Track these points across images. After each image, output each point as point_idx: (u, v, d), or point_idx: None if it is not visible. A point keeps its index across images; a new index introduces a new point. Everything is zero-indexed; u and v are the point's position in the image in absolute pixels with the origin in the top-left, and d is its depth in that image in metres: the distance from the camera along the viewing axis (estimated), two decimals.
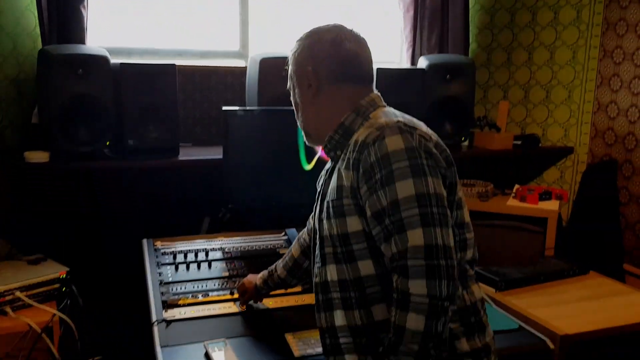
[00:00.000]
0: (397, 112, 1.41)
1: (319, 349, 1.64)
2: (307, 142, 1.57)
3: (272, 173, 2.45)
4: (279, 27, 3.19)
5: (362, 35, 1.49)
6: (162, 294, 1.89)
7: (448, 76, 2.96)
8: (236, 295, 1.92)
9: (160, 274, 2.00)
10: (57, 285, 2.09)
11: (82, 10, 2.49)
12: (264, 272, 1.86)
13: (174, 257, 2.11)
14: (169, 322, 1.76)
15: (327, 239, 1.39)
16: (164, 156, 2.48)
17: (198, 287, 1.96)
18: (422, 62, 3.00)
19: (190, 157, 2.55)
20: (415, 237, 1.20)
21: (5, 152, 2.37)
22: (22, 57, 2.52)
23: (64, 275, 2.10)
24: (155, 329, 1.72)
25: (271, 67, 2.61)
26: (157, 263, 2.06)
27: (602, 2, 3.19)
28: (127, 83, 2.34)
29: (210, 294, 1.93)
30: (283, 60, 2.63)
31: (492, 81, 3.51)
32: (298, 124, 1.56)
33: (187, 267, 2.06)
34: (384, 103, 1.48)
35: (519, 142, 3.26)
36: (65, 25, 2.47)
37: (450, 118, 3.01)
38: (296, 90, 1.50)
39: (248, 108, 2.58)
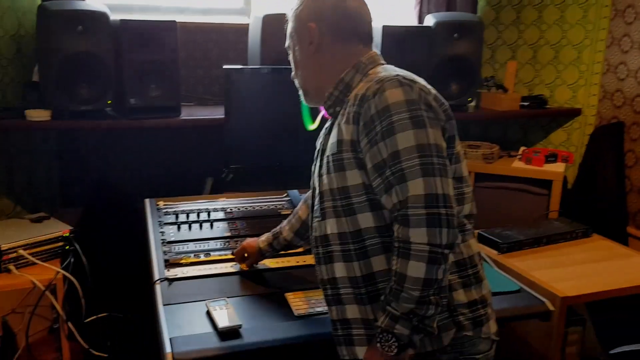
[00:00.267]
0: (396, 68, 1.40)
1: (319, 308, 1.66)
2: (305, 101, 1.57)
3: (275, 133, 2.43)
4: None
5: None
6: (164, 253, 1.90)
7: (456, 35, 2.90)
8: None
9: (162, 233, 2.01)
10: (60, 244, 2.10)
11: None
12: (268, 235, 1.86)
13: (176, 217, 2.11)
14: (171, 281, 1.77)
15: (327, 193, 1.40)
16: (165, 115, 2.46)
17: (200, 246, 1.97)
18: (430, 20, 2.94)
19: (192, 117, 2.53)
20: (416, 186, 1.22)
21: (6, 110, 2.36)
22: (22, 12, 2.48)
23: (68, 234, 2.11)
24: (157, 287, 1.73)
25: (274, 24, 2.54)
26: (160, 222, 2.07)
27: None
28: (128, 40, 2.30)
29: (212, 253, 1.93)
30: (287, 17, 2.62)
31: (501, 40, 3.44)
32: (296, 83, 1.55)
33: (190, 227, 2.06)
34: (384, 61, 1.47)
35: (526, 104, 3.22)
36: None
37: (457, 78, 2.96)
38: (296, 48, 1.49)
39: (250, 67, 2.54)
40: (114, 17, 2.34)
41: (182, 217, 2.12)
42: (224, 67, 2.32)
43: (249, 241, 1.89)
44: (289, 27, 1.51)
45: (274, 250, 1.85)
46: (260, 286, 1.80)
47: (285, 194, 2.36)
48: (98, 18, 2.27)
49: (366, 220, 1.33)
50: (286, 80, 2.42)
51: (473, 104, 3.13)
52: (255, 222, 2.15)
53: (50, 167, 2.74)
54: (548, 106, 3.29)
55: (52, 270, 1.98)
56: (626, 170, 3.08)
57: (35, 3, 2.43)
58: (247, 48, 2.81)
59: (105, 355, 2.16)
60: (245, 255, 1.87)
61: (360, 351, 1.37)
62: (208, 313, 1.61)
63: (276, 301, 1.71)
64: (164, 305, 1.64)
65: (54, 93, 2.25)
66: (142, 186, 2.86)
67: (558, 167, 2.92)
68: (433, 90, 1.36)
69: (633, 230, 2.99)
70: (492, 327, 1.41)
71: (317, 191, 1.46)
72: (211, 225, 2.09)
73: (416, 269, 1.21)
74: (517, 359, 2.14)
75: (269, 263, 1.91)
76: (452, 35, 2.90)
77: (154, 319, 1.64)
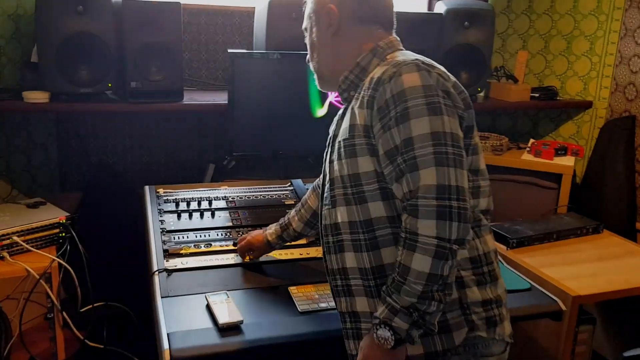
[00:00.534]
0: (416, 54, 1.34)
1: (324, 304, 1.61)
2: (319, 86, 1.51)
3: (279, 121, 2.36)
4: None
5: None
6: (163, 242, 1.84)
7: (466, 23, 2.82)
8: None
9: (162, 222, 1.95)
10: (56, 231, 2.04)
11: None
12: (276, 227, 1.79)
13: (177, 205, 2.05)
14: (170, 272, 1.71)
15: (338, 179, 1.34)
16: (167, 100, 2.39)
17: (201, 236, 1.91)
18: (440, 7, 2.85)
19: (194, 102, 2.46)
20: (428, 176, 1.16)
21: (4, 91, 2.29)
22: None
23: (64, 221, 2.05)
24: (156, 278, 1.67)
25: (281, 8, 2.48)
26: (159, 211, 2.00)
27: None
28: (130, 21, 2.23)
29: (212, 244, 1.87)
30: (294, 1, 2.54)
31: (512, 29, 3.36)
32: (311, 65, 1.49)
33: (190, 216, 2.00)
34: (402, 47, 1.41)
35: (537, 95, 3.14)
36: None
37: (467, 67, 2.88)
38: (314, 30, 1.44)
39: (256, 51, 2.47)
40: None
41: (183, 206, 2.05)
42: (229, 51, 2.24)
43: (255, 234, 1.82)
44: (308, 8, 1.46)
45: (282, 242, 1.79)
46: (263, 279, 1.75)
47: (289, 183, 2.30)
48: None
49: (377, 209, 1.28)
50: (293, 66, 2.39)
51: (482, 94, 3.05)
52: (258, 212, 2.09)
53: (49, 151, 2.68)
54: (559, 98, 3.22)
55: (47, 258, 1.92)
56: (637, 166, 3.01)
57: None
58: (253, 32, 2.74)
59: (101, 346, 2.11)
60: (251, 249, 1.81)
61: None
62: (208, 307, 1.55)
63: (279, 295, 1.66)
64: (162, 297, 1.59)
65: (52, 75, 2.19)
66: (142, 171, 2.82)
67: (568, 161, 2.86)
68: (452, 78, 1.30)
69: None
70: (507, 328, 1.35)
71: (327, 178, 1.41)
72: (212, 215, 2.03)
73: (421, 263, 1.16)
74: (524, 358, 2.09)
75: (272, 255, 1.85)
76: (463, 23, 2.82)
77: (152, 311, 1.58)
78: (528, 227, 2.34)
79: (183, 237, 1.89)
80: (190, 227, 1.95)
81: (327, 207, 1.39)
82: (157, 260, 1.74)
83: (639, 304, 2.17)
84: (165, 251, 1.80)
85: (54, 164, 2.71)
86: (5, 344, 2.13)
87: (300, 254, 1.88)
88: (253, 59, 2.30)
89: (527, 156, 2.90)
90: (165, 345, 1.39)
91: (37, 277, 1.85)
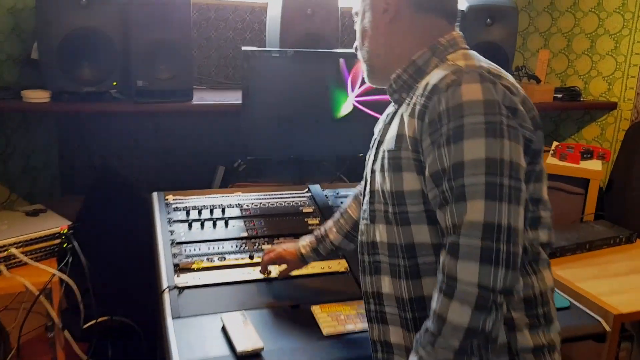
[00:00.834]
0: (481, 57, 1.18)
1: (350, 326, 1.47)
2: (367, 79, 1.32)
3: (296, 123, 2.22)
4: None
5: None
6: (173, 255, 1.70)
7: (488, 20, 2.68)
8: (256, 260, 1.72)
9: (171, 232, 1.81)
10: (57, 241, 1.89)
11: None
12: (310, 239, 1.61)
13: (187, 214, 1.91)
14: (181, 290, 1.57)
15: (379, 193, 1.20)
16: (176, 99, 2.25)
17: (214, 248, 1.77)
18: (462, 4, 2.71)
19: (205, 102, 2.32)
20: (476, 210, 0.99)
21: (2, 89, 2.15)
22: None
23: (66, 230, 1.91)
24: (166, 296, 1.53)
25: (296, 3, 2.35)
26: (169, 220, 1.86)
27: None
28: (136, 16, 2.09)
29: (227, 257, 1.73)
30: None
31: (533, 27, 3.22)
32: (359, 54, 1.31)
33: (202, 225, 1.86)
34: (467, 45, 1.24)
35: (560, 95, 3.01)
36: None
37: None
38: (366, 14, 1.26)
39: (271, 49, 2.32)
40: None
41: (194, 214, 1.91)
42: (243, 48, 2.10)
43: (286, 247, 1.63)
44: None
45: (318, 256, 1.60)
46: (282, 297, 1.61)
47: (306, 189, 2.16)
48: None
49: (421, 234, 1.12)
50: (309, 65, 2.25)
51: None
52: (275, 220, 1.95)
53: (49, 153, 2.54)
54: (582, 99, 3.08)
55: (48, 272, 1.78)
56: None
57: None
58: (265, 29, 2.60)
59: None
60: (281, 263, 1.64)
61: None
62: (224, 329, 1.41)
63: (301, 316, 1.52)
64: (174, 318, 1.45)
65: (54, 72, 2.05)
66: (149, 174, 2.68)
67: (595, 165, 2.72)
68: (522, 91, 1.13)
69: None
70: None
71: (367, 188, 1.25)
72: (226, 224, 1.88)
73: (459, 314, 1.00)
74: None
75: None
76: (485, 20, 2.68)
77: (162, 333, 1.44)
78: (559, 237, 2.20)
79: (195, 250, 1.75)
80: (202, 238, 1.81)
81: (365, 221, 1.25)
82: (167, 276, 1.60)
83: None
84: (175, 266, 1.66)
85: (55, 167, 2.58)
86: (4, 358, 2.00)
87: (322, 268, 1.74)
88: (268, 57, 2.15)
89: (551, 160, 2.76)
90: None
91: (37, 292, 1.71)
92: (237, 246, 1.79)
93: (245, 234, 1.85)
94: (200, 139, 2.72)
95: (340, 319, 1.50)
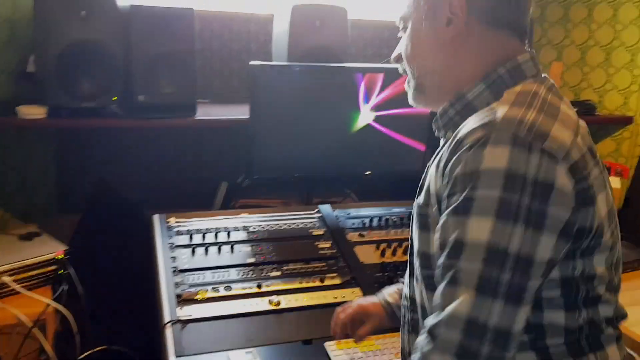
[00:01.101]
0: (544, 97, 0.96)
1: None
2: (412, 100, 1.12)
3: (305, 141, 2.13)
4: None
5: None
6: (176, 285, 1.59)
7: None
8: (264, 289, 1.61)
9: (173, 259, 1.70)
10: (52, 268, 1.78)
11: None
12: (398, 286, 1.39)
13: (190, 238, 1.80)
14: (184, 323, 1.46)
15: (414, 249, 1.08)
16: (179, 115, 2.15)
17: (219, 276, 1.66)
18: None
19: (209, 117, 2.22)
20: (464, 300, 0.85)
21: None
22: None
23: (61, 256, 1.80)
24: (168, 332, 1.43)
25: (305, 15, 2.25)
26: (170, 245, 1.75)
27: None
28: (138, 28, 1.99)
29: (233, 286, 1.62)
30: (318, 7, 2.31)
31: (545, 39, 3.13)
32: (405, 69, 1.12)
33: (206, 251, 1.75)
34: (536, 71, 1.02)
35: (575, 110, 2.90)
36: None
37: None
38: (423, 24, 1.05)
39: (281, 63, 2.22)
40: (123, 1, 2.03)
41: (197, 238, 1.81)
42: (251, 63, 2.00)
43: (363, 302, 1.38)
44: None
45: None
46: (293, 330, 1.50)
47: (316, 210, 2.05)
48: (104, 2, 1.96)
49: None
50: (320, 80, 2.15)
51: None
52: (283, 244, 1.84)
53: (46, 170, 2.43)
54: (597, 113, 2.98)
55: (42, 303, 1.66)
56: None
57: None
58: (271, 41, 2.50)
59: None
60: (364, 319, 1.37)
61: None
62: None
63: (314, 353, 1.42)
64: (177, 357, 1.34)
65: (51, 87, 1.95)
66: (149, 191, 2.57)
67: (614, 183, 2.60)
68: (577, 151, 0.90)
69: None
70: None
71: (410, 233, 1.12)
72: (231, 249, 1.78)
73: None
74: None
75: (302, 299, 1.61)
76: None
77: None
78: None
79: (198, 278, 1.64)
80: (207, 264, 1.70)
81: (407, 272, 1.14)
82: (169, 308, 1.49)
83: None
84: (178, 296, 1.55)
85: (52, 185, 2.47)
86: None
87: (335, 298, 1.63)
88: (278, 71, 2.06)
89: None
90: None
91: (30, 325, 1.60)
92: (243, 274, 1.68)
93: (252, 260, 1.75)
94: (203, 154, 2.63)
95: (357, 356, 1.39)
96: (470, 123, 0.94)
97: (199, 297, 1.56)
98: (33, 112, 1.99)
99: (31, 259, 1.75)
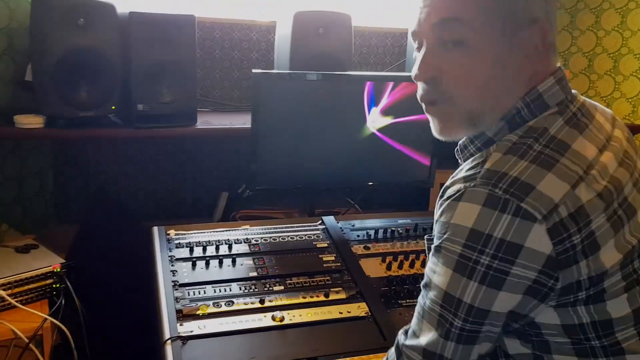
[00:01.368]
0: (552, 136, 0.93)
1: None
2: (450, 133, 1.03)
3: (309, 151, 2.08)
4: None
5: None
6: (176, 300, 1.54)
7: None
8: (267, 304, 1.56)
9: (174, 272, 1.64)
10: (49, 281, 1.73)
11: None
12: None
13: (191, 251, 1.75)
14: (185, 340, 1.41)
15: None
16: (179, 124, 2.11)
17: (220, 291, 1.60)
18: None
19: (210, 126, 2.17)
20: (425, 333, 0.95)
21: None
22: (15, 1, 2.13)
23: (58, 269, 1.74)
24: (168, 349, 1.37)
25: (307, 22, 2.21)
26: (170, 258, 1.70)
27: None
28: (137, 36, 1.95)
29: (235, 301, 1.57)
30: (321, 14, 2.27)
31: None
32: (440, 93, 1.00)
33: (207, 264, 1.70)
34: (564, 95, 0.99)
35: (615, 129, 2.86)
36: None
37: None
38: (484, 50, 0.95)
39: (283, 72, 2.18)
40: (122, 9, 1.98)
41: (198, 251, 1.75)
42: (254, 71, 1.95)
43: None
44: (460, 2, 0.95)
45: None
46: (298, 347, 1.44)
47: (319, 221, 2.00)
48: (103, 10, 1.92)
49: None
50: (325, 88, 2.10)
51: None
52: (286, 257, 1.78)
53: (44, 180, 2.39)
54: None
55: (38, 317, 1.61)
56: None
57: None
58: (273, 49, 2.46)
59: None
60: None
61: None
62: None
63: None
64: None
65: (48, 96, 1.91)
66: (148, 201, 2.53)
67: None
68: (570, 207, 0.86)
69: None
70: None
71: None
72: (233, 262, 1.72)
73: None
74: None
75: (306, 315, 1.55)
76: None
77: None
78: None
79: (199, 293, 1.58)
80: (208, 278, 1.64)
81: None
82: (169, 324, 1.44)
83: None
84: (178, 312, 1.49)
85: (50, 195, 2.42)
86: None
87: (340, 313, 1.58)
88: (281, 80, 2.01)
89: None
90: None
91: (27, 340, 1.55)
92: (245, 288, 1.63)
93: (254, 274, 1.69)
94: (203, 164, 2.58)
95: None
96: (465, 167, 0.96)
97: (199, 312, 1.51)
98: (30, 121, 1.95)
99: (27, 273, 1.70)
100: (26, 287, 1.69)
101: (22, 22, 2.16)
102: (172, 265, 1.67)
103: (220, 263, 1.71)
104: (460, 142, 1.04)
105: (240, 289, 1.62)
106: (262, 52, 2.61)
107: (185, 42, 2.03)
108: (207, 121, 2.23)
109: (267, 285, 1.64)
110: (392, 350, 1.02)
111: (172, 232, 1.83)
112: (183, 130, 2.12)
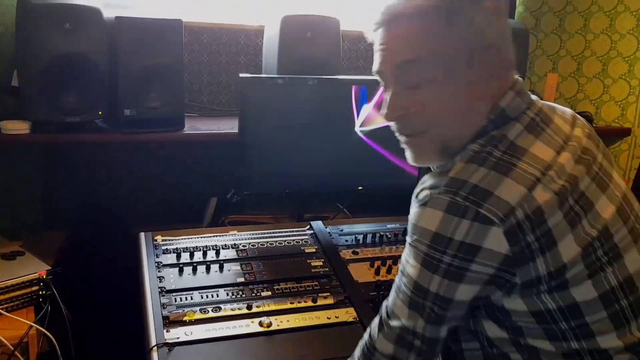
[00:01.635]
0: (510, 143, 1.01)
1: None
2: (421, 161, 1.14)
3: (298, 155, 2.07)
4: None
5: None
6: (162, 306, 1.53)
7: None
8: (255, 310, 1.55)
9: (160, 279, 1.63)
10: (35, 288, 1.71)
11: None
12: None
13: (178, 257, 1.73)
14: (171, 347, 1.40)
15: None
16: (166, 129, 2.09)
17: (207, 297, 1.60)
18: None
19: (198, 131, 2.16)
20: (401, 312, 1.07)
21: None
22: (0, 6, 2.12)
23: (44, 276, 1.73)
24: (155, 355, 1.36)
25: (295, 26, 2.20)
26: (157, 264, 1.69)
27: None
28: (124, 41, 1.94)
29: (222, 307, 1.56)
30: (309, 18, 2.26)
31: (540, 50, 3.09)
32: (406, 129, 1.11)
33: (194, 270, 1.69)
34: (525, 105, 1.06)
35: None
36: None
37: None
38: (432, 87, 1.04)
39: (271, 76, 2.17)
40: (109, 13, 1.97)
41: (185, 257, 1.74)
42: (241, 75, 1.95)
43: None
44: (426, 45, 1.02)
45: None
46: (286, 353, 1.44)
47: (308, 226, 1.99)
48: (89, 14, 1.90)
49: None
50: (313, 93, 2.10)
51: None
52: (275, 263, 1.78)
53: (32, 186, 2.37)
54: (594, 125, 2.94)
55: (24, 324, 1.60)
56: None
57: None
58: (261, 53, 2.45)
59: None
60: None
61: None
62: None
63: None
64: None
65: (35, 101, 1.89)
66: (137, 207, 2.52)
67: None
68: (526, 210, 0.93)
69: None
70: None
71: None
72: (220, 268, 1.71)
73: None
74: None
75: (293, 320, 1.54)
76: None
77: None
78: None
79: (186, 299, 1.57)
80: (195, 284, 1.64)
81: None
82: (155, 331, 1.43)
83: None
84: (165, 318, 1.48)
85: (38, 201, 2.40)
86: None
87: (328, 318, 1.57)
88: (269, 84, 2.00)
89: None
90: None
91: (12, 348, 1.53)
92: (233, 294, 1.62)
93: (242, 279, 1.68)
94: (191, 169, 2.57)
95: None
96: (430, 177, 1.04)
97: (186, 318, 1.50)
98: (17, 127, 1.94)
99: (13, 280, 1.68)
100: (12, 294, 1.67)
101: (8, 26, 2.15)
102: (159, 272, 1.66)
103: (208, 269, 1.70)
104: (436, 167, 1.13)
105: (228, 295, 1.61)
106: (250, 57, 2.60)
107: (173, 46, 2.02)
108: (195, 126, 2.22)
109: (255, 291, 1.63)
110: (376, 320, 1.13)
111: (159, 238, 1.82)
112: (171, 136, 2.11)
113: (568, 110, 1.16)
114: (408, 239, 1.04)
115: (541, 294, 0.97)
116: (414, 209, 1.02)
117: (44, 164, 2.39)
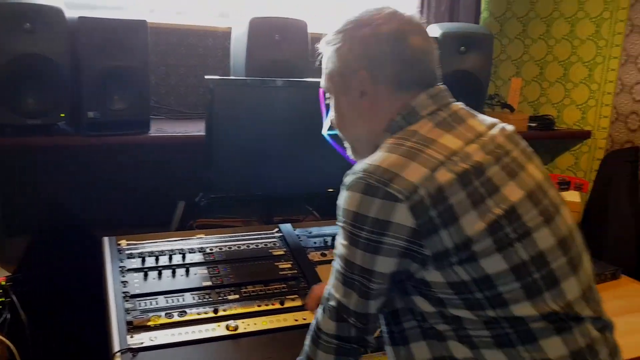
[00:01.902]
0: (421, 135, 1.15)
1: None
2: (352, 157, 1.37)
3: (264, 158, 2.06)
4: None
5: (423, 23, 1.27)
6: (126, 311, 1.50)
7: (462, 48, 2.58)
8: (221, 314, 1.54)
9: (124, 283, 1.60)
10: None
11: None
12: None
13: (143, 261, 1.71)
14: (135, 352, 1.37)
15: None
16: (131, 131, 2.06)
17: (173, 301, 1.57)
18: (435, 31, 2.60)
19: (163, 134, 2.13)
20: (338, 289, 1.18)
21: None
22: None
23: (4, 282, 1.68)
24: None
25: (263, 29, 2.20)
26: (121, 269, 1.66)
27: None
28: (87, 41, 1.90)
29: (188, 311, 1.54)
30: (277, 20, 2.26)
31: (505, 55, 3.15)
32: (340, 135, 1.36)
33: (159, 274, 1.66)
34: (436, 106, 1.20)
35: (534, 124, 2.92)
36: None
37: (463, 95, 2.52)
38: (342, 99, 1.29)
39: (237, 78, 2.16)
40: (71, 13, 1.93)
41: (150, 261, 1.72)
42: (207, 77, 1.93)
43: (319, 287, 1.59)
44: (329, 65, 1.28)
45: None
46: (251, 356, 1.43)
47: (276, 229, 1.98)
48: (50, 14, 1.86)
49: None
50: (280, 95, 2.09)
51: None
52: (242, 266, 1.76)
53: None
54: (556, 127, 3.00)
55: None
56: None
57: None
58: (229, 55, 2.44)
59: None
60: None
61: None
62: None
63: None
64: None
65: None
66: (102, 212, 2.46)
67: (573, 197, 2.63)
68: (429, 188, 1.07)
69: None
70: None
71: None
72: (187, 272, 1.69)
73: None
74: None
75: (261, 323, 1.53)
76: (459, 48, 2.58)
77: None
78: None
79: (151, 304, 1.55)
80: (160, 289, 1.61)
81: None
82: (118, 336, 1.40)
83: None
84: (128, 323, 1.46)
85: None
86: None
87: (295, 320, 1.57)
88: (235, 86, 1.99)
89: None
90: None
91: None
92: (199, 297, 1.60)
93: (208, 283, 1.66)
94: (159, 173, 2.52)
95: None
96: (355, 166, 1.16)
97: (151, 323, 1.48)
98: None
99: None
100: None
101: None
102: (122, 276, 1.63)
103: (174, 273, 1.68)
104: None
105: (194, 299, 1.59)
106: (218, 59, 2.58)
107: (137, 47, 1.99)
108: (161, 129, 2.19)
109: (222, 295, 1.62)
110: (320, 307, 1.23)
111: (123, 243, 1.79)
112: (135, 138, 2.07)
113: (491, 119, 1.27)
114: (338, 222, 1.16)
115: (453, 265, 1.08)
116: (341, 192, 1.15)
117: (3, 168, 2.33)
